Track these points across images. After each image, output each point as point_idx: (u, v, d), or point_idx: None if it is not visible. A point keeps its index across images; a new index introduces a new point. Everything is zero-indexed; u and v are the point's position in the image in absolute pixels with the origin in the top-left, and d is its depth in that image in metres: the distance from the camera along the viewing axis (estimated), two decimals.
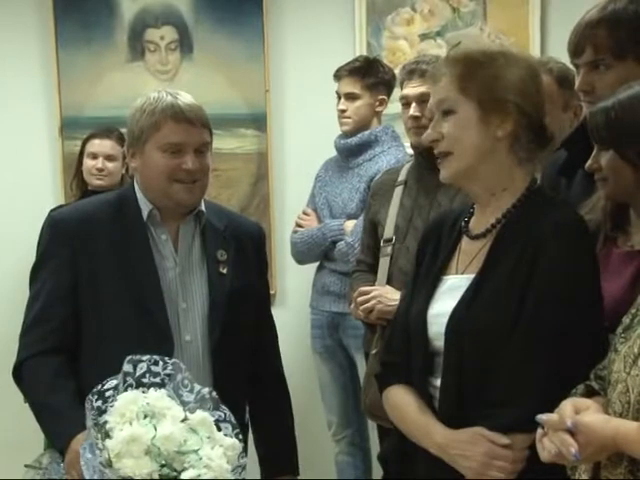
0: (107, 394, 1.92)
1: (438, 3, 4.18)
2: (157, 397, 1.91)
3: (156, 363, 1.97)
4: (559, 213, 1.98)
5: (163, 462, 1.82)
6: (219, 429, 1.95)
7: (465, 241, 2.07)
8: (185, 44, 4.35)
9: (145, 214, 2.41)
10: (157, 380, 1.95)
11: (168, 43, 4.37)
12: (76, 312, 2.38)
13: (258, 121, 4.31)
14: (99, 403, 1.91)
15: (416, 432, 2.03)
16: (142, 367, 1.96)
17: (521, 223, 1.97)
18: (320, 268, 3.90)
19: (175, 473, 1.82)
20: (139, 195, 2.43)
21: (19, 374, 2.40)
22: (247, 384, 2.53)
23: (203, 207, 2.46)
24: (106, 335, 2.36)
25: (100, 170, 4.01)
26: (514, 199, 2.01)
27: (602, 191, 2.09)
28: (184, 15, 4.33)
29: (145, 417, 1.87)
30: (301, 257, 3.95)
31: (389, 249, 3.16)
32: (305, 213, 3.96)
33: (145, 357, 1.97)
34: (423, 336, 2.03)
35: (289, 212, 4.16)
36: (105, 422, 1.88)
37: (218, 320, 2.40)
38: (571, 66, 2.42)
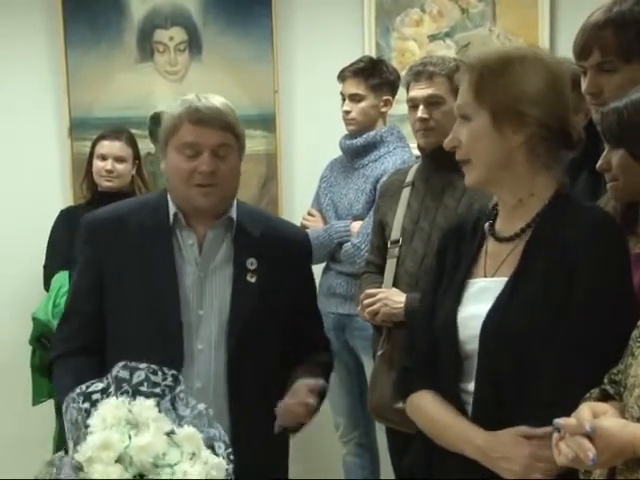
0: (94, 397, 1.87)
1: (447, 4, 4.17)
2: (143, 406, 1.85)
3: (155, 372, 1.91)
4: (593, 216, 1.96)
5: (136, 472, 1.76)
6: (212, 447, 1.88)
7: (491, 244, 2.04)
8: (194, 45, 4.35)
9: (171, 217, 2.40)
10: (157, 390, 1.89)
11: (177, 44, 4.37)
12: (101, 311, 2.40)
13: (267, 122, 4.31)
14: (86, 405, 1.86)
15: (452, 437, 1.98)
16: (140, 375, 1.90)
17: (554, 226, 1.95)
18: (326, 270, 3.90)
19: None
20: (169, 198, 2.42)
21: (50, 372, 2.46)
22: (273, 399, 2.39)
23: (234, 213, 2.42)
24: (123, 337, 2.36)
25: (109, 172, 4.00)
26: (542, 204, 1.98)
27: (611, 192, 2.09)
28: (193, 16, 4.34)
29: (127, 425, 1.81)
30: None
31: (396, 251, 3.16)
32: (310, 214, 3.95)
33: (142, 365, 1.91)
34: (453, 340, 2.00)
35: (298, 213, 4.15)
36: (88, 425, 1.83)
37: (237, 330, 2.35)
38: None
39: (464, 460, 1.95)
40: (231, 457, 1.88)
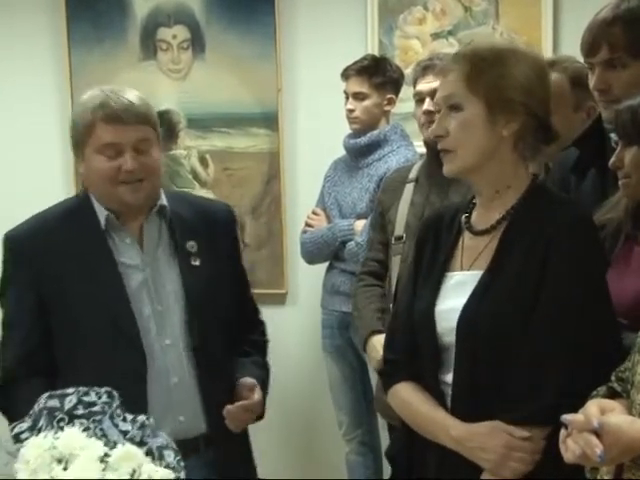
0: (22, 436, 1.76)
1: (450, 2, 4.16)
2: (69, 437, 1.74)
3: (87, 393, 1.82)
4: (568, 210, 1.99)
5: None
6: (161, 457, 1.81)
7: (468, 237, 2.07)
8: (197, 43, 4.35)
9: (102, 221, 2.33)
10: (97, 409, 1.80)
11: (180, 42, 4.37)
12: (48, 333, 2.31)
13: (270, 120, 4.31)
14: (18, 447, 1.75)
15: (429, 427, 2.03)
16: (71, 400, 1.80)
17: (529, 219, 1.98)
18: (330, 268, 3.90)
19: None
20: (94, 202, 2.35)
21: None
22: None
23: (164, 201, 2.38)
24: (81, 354, 2.29)
25: None
26: (518, 195, 2.01)
27: (623, 189, 2.11)
28: (196, 14, 4.33)
29: (54, 462, 1.71)
30: (311, 257, 3.95)
31: (400, 247, 3.15)
32: (314, 213, 3.96)
33: (70, 390, 1.81)
34: (431, 332, 2.03)
35: (301, 212, 4.16)
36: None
37: (196, 318, 2.33)
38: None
39: (443, 450, 1.99)
40: (181, 463, 1.82)
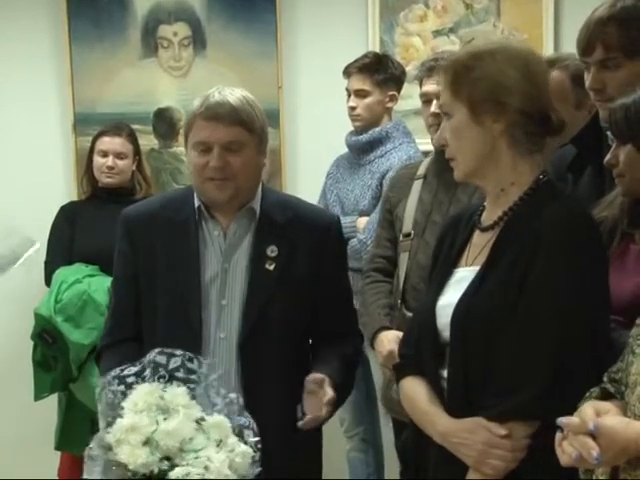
0: (129, 380, 1.98)
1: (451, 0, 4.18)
2: (175, 393, 1.96)
3: (191, 360, 2.02)
4: (561, 205, 1.99)
5: (162, 456, 1.88)
6: (241, 435, 1.98)
7: (476, 234, 2.10)
8: (198, 40, 4.36)
9: (196, 210, 2.45)
10: (194, 377, 2.00)
11: (181, 39, 4.38)
12: (139, 304, 2.48)
13: (270, 118, 4.24)
14: (122, 388, 1.97)
15: (423, 421, 2.06)
16: (176, 361, 2.01)
17: (526, 215, 1.99)
18: None
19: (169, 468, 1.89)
20: (195, 193, 2.47)
21: (98, 361, 2.57)
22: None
23: (256, 203, 2.45)
24: (153, 327, 2.43)
25: (110, 168, 3.98)
26: (521, 192, 2.03)
27: (619, 187, 2.11)
28: (197, 11, 4.34)
29: (157, 410, 1.93)
30: None
31: (408, 244, 3.14)
32: None
33: (178, 352, 2.02)
34: (432, 328, 2.06)
35: None
36: (122, 407, 1.96)
37: (251, 317, 2.39)
38: None
39: (441, 447, 2.01)
40: (259, 446, 1.99)
